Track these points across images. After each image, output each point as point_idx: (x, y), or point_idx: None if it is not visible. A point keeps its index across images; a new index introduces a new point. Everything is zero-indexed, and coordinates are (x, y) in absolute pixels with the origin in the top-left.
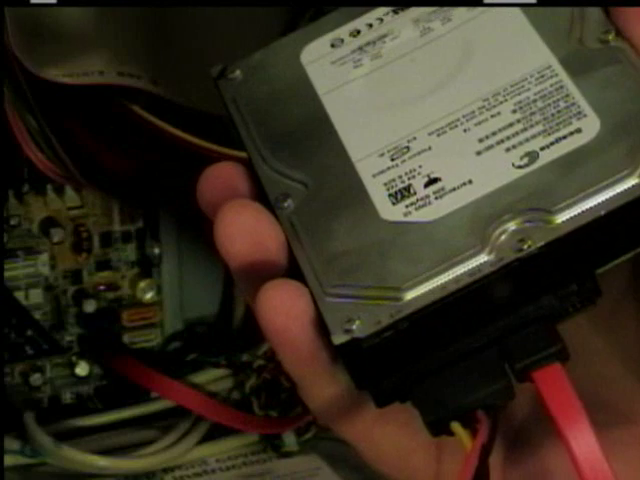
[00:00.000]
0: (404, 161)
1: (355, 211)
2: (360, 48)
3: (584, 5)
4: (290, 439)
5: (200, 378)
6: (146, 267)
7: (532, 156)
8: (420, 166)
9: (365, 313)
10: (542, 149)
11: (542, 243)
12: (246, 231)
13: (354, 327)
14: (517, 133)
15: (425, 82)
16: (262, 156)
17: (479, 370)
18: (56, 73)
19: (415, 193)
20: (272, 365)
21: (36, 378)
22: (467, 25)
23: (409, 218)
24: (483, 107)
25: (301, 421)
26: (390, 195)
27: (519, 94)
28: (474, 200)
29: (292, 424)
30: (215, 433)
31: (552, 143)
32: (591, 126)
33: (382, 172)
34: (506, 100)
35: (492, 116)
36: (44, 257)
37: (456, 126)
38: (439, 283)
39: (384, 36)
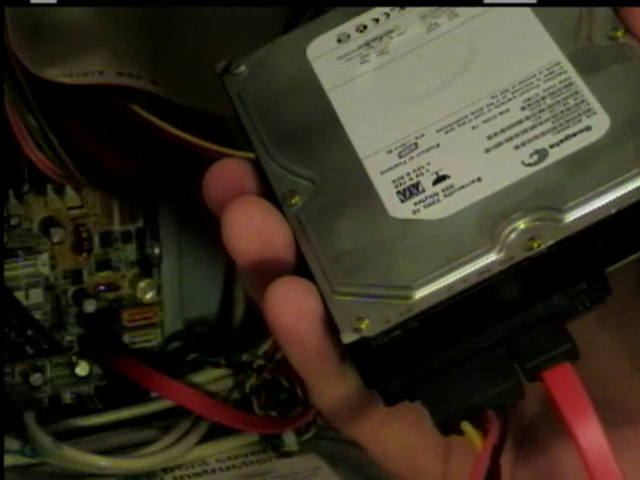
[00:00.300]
0: (412, 158)
1: (363, 208)
2: (367, 44)
3: (584, 5)
4: (290, 439)
5: (200, 378)
6: (146, 267)
7: (541, 154)
8: (428, 163)
9: (374, 312)
10: (551, 147)
11: (552, 242)
12: (253, 228)
13: (363, 326)
14: (526, 130)
15: (433, 78)
16: (269, 152)
17: (489, 369)
18: (56, 73)
19: (424, 190)
20: (272, 365)
21: (36, 378)
22: (474, 21)
23: (418, 216)
24: (491, 104)
25: (301, 421)
26: (398, 192)
27: (528, 91)
28: (483, 198)
29: (292, 424)
30: (215, 433)
31: (561, 141)
32: (601, 124)
33: (390, 169)
34: (515, 97)
35: (501, 113)
36: (44, 257)
37: (464, 123)
38: (448, 282)
39: (391, 32)
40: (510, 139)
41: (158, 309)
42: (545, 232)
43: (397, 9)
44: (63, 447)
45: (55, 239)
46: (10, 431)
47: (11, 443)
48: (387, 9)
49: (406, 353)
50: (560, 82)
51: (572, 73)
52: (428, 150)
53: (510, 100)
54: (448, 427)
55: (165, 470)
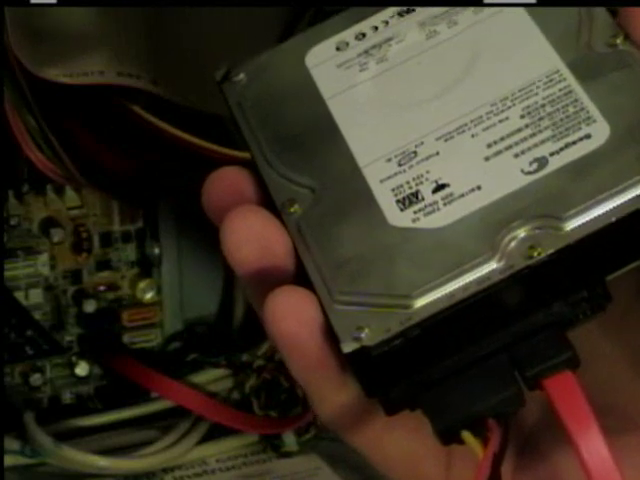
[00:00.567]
0: (412, 166)
1: (363, 217)
2: (366, 51)
3: (584, 5)
4: (290, 439)
5: (200, 378)
6: (146, 267)
7: (541, 162)
8: (428, 171)
9: (374, 321)
10: (551, 155)
11: (552, 250)
12: (253, 237)
13: (363, 335)
14: (526, 138)
15: (432, 86)
16: (268, 160)
17: (489, 378)
18: (56, 73)
19: (423, 199)
20: (272, 365)
21: (36, 378)
22: (473, 28)
23: (417, 224)
24: (491, 112)
25: (301, 421)
26: (398, 201)
27: (527, 99)
28: (483, 206)
29: (292, 424)
30: (215, 433)
31: (561, 149)
32: (601, 132)
33: (389, 177)
34: (514, 105)
35: (500, 121)
36: (44, 257)
37: (464, 131)
38: (449, 291)
39: (390, 39)
40: (510, 147)
41: (158, 309)
42: (545, 240)
43: (396, 17)
44: (63, 447)
45: (55, 239)
46: (10, 431)
47: (11, 443)
48: (386, 17)
49: (407, 362)
50: (560, 90)
51: (571, 80)
52: (427, 158)
53: (510, 108)
54: (449, 436)
55: (165, 470)
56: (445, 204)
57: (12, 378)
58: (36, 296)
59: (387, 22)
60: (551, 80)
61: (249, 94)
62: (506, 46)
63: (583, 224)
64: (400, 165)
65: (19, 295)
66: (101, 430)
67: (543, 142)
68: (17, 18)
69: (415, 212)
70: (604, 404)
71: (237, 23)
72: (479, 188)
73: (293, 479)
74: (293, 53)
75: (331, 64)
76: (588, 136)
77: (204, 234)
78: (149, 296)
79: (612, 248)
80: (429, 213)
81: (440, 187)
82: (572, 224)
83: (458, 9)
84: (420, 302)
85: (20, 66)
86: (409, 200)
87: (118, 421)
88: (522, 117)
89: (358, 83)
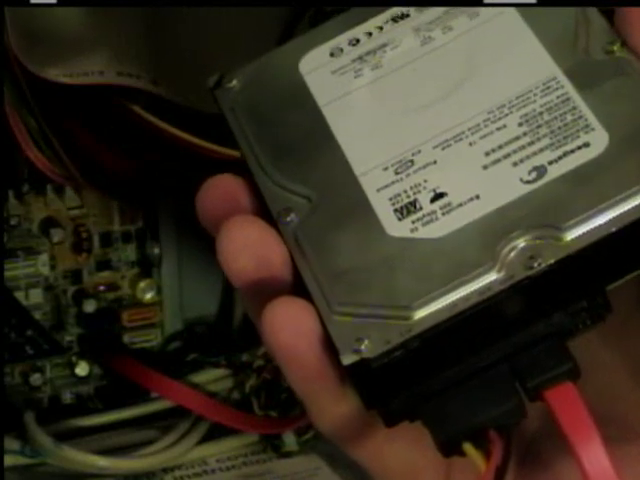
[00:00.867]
0: (409, 175)
1: (360, 226)
2: (360, 57)
3: (584, 5)
4: (290, 439)
5: (200, 378)
6: (146, 267)
7: (540, 171)
8: (425, 180)
9: (374, 332)
10: (550, 163)
11: (552, 261)
12: (250, 247)
13: (363, 347)
14: (524, 147)
15: (428, 93)
16: (263, 169)
17: (490, 389)
18: (56, 73)
19: (421, 208)
20: (272, 365)
21: (36, 378)
22: (469, 34)
23: (416, 234)
24: (488, 119)
25: (301, 421)
26: (395, 210)
27: (525, 106)
28: (482, 216)
29: (292, 424)
30: (215, 433)
31: (560, 157)
32: (599, 140)
33: (387, 186)
34: (512, 112)
35: (498, 129)
36: (44, 257)
37: (461, 139)
38: (449, 301)
39: (384, 45)
40: (508, 155)
41: (158, 309)
42: (545, 251)
43: (390, 22)
44: (63, 447)
45: (55, 239)
46: (10, 431)
47: (11, 443)
48: (380, 23)
49: (407, 373)
50: (557, 97)
51: (569, 88)
52: (425, 167)
53: (507, 115)
54: (450, 448)
55: (165, 470)
56: (444, 213)
57: (12, 378)
58: (36, 296)
59: (381, 28)
60: (548, 87)
61: (243, 100)
62: (502, 53)
63: (583, 234)
64: (397, 174)
65: (19, 295)
66: (101, 430)
67: (542, 150)
68: (17, 18)
69: (413, 222)
70: (605, 414)
71: (237, 23)
72: (478, 197)
73: (293, 479)
74: (287, 59)
75: (325, 70)
76: (587, 144)
77: (204, 234)
78: (149, 296)
79: (612, 258)
80: (427, 223)
81: (438, 196)
82: (572, 234)
83: (453, 14)
84: (420, 313)
85: (20, 66)
86: (407, 209)
87: (118, 421)
88: (520, 125)
89: (353, 90)
